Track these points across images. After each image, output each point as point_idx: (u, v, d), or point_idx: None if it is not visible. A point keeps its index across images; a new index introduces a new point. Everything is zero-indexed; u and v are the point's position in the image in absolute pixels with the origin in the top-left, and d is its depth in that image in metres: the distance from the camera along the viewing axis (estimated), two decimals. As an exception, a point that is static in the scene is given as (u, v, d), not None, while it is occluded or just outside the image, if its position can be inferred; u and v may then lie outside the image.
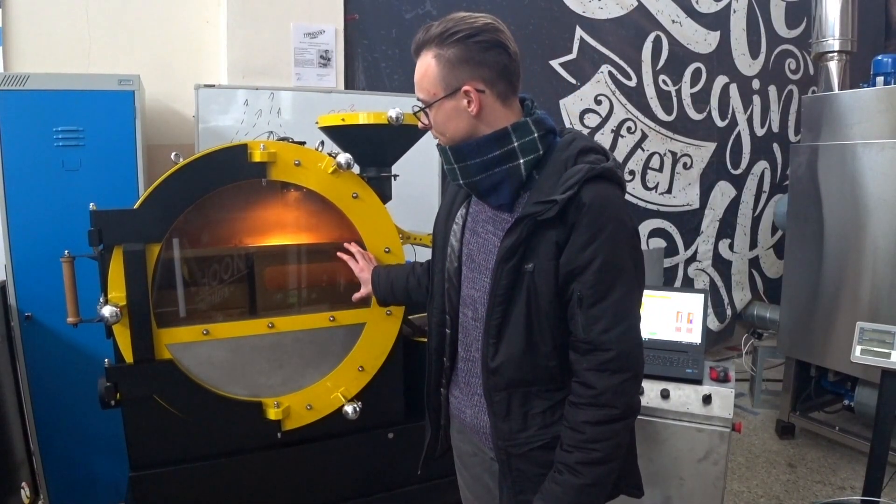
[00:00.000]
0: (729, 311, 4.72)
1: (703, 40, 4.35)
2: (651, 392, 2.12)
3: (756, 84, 4.67)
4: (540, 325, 1.23)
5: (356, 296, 1.79)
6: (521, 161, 1.23)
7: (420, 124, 1.32)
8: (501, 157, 1.22)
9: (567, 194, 1.14)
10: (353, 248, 1.82)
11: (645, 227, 4.31)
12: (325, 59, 3.12)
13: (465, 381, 1.41)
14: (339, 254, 1.81)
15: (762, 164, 4.81)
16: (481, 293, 1.31)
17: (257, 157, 1.70)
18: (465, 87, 1.20)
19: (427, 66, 1.22)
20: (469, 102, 1.21)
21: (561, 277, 1.18)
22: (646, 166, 4.27)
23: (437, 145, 1.32)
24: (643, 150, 4.23)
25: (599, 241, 1.15)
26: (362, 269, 1.77)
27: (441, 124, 1.26)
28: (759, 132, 4.75)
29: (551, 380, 1.27)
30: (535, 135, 1.24)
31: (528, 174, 1.24)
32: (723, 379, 2.15)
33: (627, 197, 4.17)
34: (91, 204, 1.63)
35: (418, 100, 1.27)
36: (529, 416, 1.28)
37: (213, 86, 2.77)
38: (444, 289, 1.39)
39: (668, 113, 4.29)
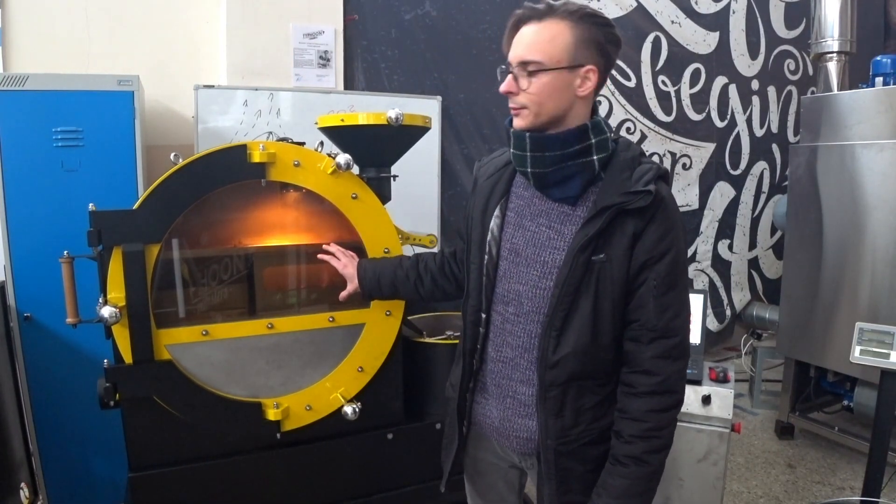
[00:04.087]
0: (728, 312, 4.72)
1: (702, 41, 4.35)
2: (650, 392, 2.12)
3: (755, 85, 4.67)
4: (604, 317, 1.25)
5: (343, 294, 1.76)
6: (595, 157, 1.25)
7: (506, 88, 1.24)
8: (578, 151, 1.24)
9: (650, 187, 1.20)
10: (333, 247, 1.80)
11: (644, 228, 4.30)
12: (324, 60, 3.12)
13: (495, 384, 1.38)
14: (319, 255, 1.80)
15: (761, 165, 4.81)
16: (528, 287, 1.30)
17: (257, 157, 1.71)
18: (589, 67, 1.21)
19: (558, 32, 1.19)
20: (582, 83, 1.22)
21: (633, 267, 1.22)
22: (645, 167, 4.27)
23: (513, 131, 1.28)
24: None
25: (673, 234, 1.23)
26: (345, 266, 1.75)
27: (545, 94, 1.21)
28: (759, 133, 4.75)
29: (605, 373, 1.29)
30: (608, 135, 1.27)
31: (598, 170, 1.26)
32: (722, 379, 2.15)
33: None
34: (90, 204, 1.63)
35: (524, 63, 1.21)
36: (581, 412, 1.29)
37: (212, 86, 2.77)
38: (481, 285, 1.37)
39: (668, 113, 4.29)
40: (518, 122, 1.27)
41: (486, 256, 1.36)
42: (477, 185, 1.45)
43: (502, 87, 1.25)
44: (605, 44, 1.22)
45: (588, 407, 1.29)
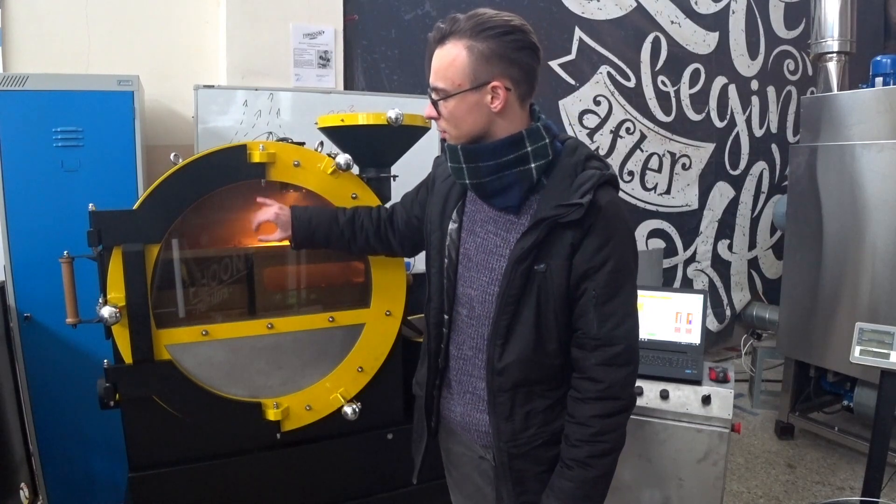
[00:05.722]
0: (728, 312, 4.73)
1: (701, 41, 4.36)
2: (650, 393, 2.12)
3: (755, 85, 4.67)
4: (547, 325, 1.26)
5: (265, 236, 1.65)
6: (533, 165, 1.24)
7: (427, 114, 1.29)
8: (514, 160, 1.23)
9: (587, 198, 1.18)
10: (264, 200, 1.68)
11: (644, 228, 4.32)
12: (324, 60, 3.12)
13: (457, 380, 1.41)
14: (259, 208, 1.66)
15: (761, 165, 4.81)
16: (479, 291, 1.32)
17: (256, 157, 1.70)
18: (494, 83, 1.19)
19: (455, 55, 1.19)
20: (493, 99, 1.20)
21: (573, 277, 1.22)
22: (645, 167, 4.28)
23: (447, 144, 1.30)
24: (642, 150, 4.23)
25: (613, 244, 1.21)
26: (277, 216, 1.63)
27: (457, 117, 1.23)
28: (758, 133, 4.75)
29: (553, 378, 1.30)
30: (546, 140, 1.25)
31: (538, 178, 1.25)
32: (722, 379, 2.15)
33: (626, 197, 4.19)
34: (90, 204, 1.63)
35: (433, 89, 1.24)
36: (531, 416, 1.31)
37: (212, 86, 2.77)
38: (442, 288, 1.39)
39: (667, 114, 4.30)
40: (449, 143, 1.29)
41: (445, 260, 1.38)
42: (435, 185, 1.46)
43: (424, 114, 1.30)
44: (512, 52, 1.18)
45: (539, 410, 1.31)
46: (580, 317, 1.24)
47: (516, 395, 1.30)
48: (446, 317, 1.40)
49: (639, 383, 2.00)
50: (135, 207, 1.62)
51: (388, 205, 1.75)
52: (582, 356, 1.25)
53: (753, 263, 4.93)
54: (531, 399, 1.30)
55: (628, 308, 1.25)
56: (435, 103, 1.25)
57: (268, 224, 1.65)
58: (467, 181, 1.28)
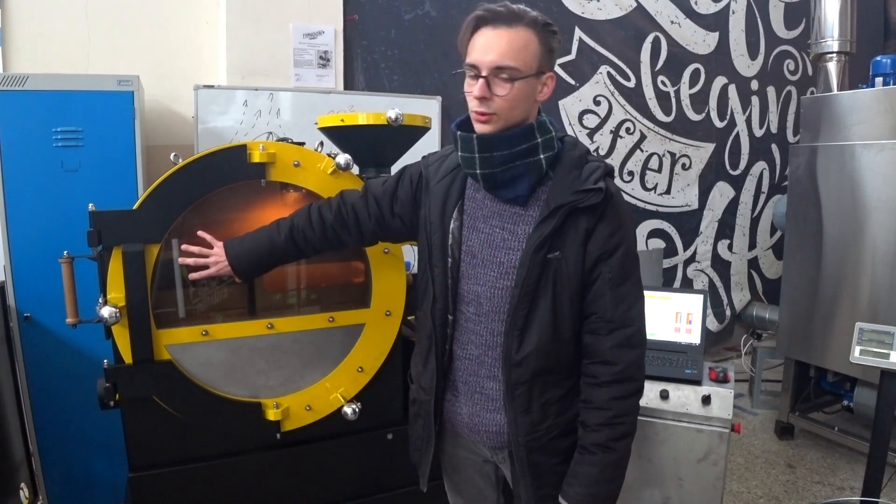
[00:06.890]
0: (728, 312, 4.73)
1: (701, 41, 4.36)
2: (650, 392, 2.12)
3: (755, 85, 4.67)
4: (563, 312, 1.28)
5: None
6: (542, 156, 1.28)
7: (480, 93, 1.20)
8: (526, 151, 1.26)
9: (600, 184, 1.25)
10: (193, 248, 1.60)
11: (644, 228, 4.32)
12: (324, 60, 3.12)
13: (463, 381, 1.40)
14: (181, 260, 1.60)
15: (761, 165, 4.81)
16: (487, 287, 1.32)
17: (256, 157, 1.70)
18: (549, 73, 1.26)
19: (529, 40, 1.22)
20: (541, 88, 1.26)
21: (588, 262, 1.27)
22: (644, 167, 4.28)
23: (460, 134, 1.28)
24: (642, 150, 4.23)
25: (623, 229, 1.28)
26: (219, 268, 1.59)
27: (516, 100, 1.22)
28: (758, 133, 4.76)
29: (567, 367, 1.33)
30: (553, 133, 1.30)
31: (546, 169, 1.29)
32: (722, 379, 2.15)
33: (626, 197, 4.19)
34: (90, 204, 1.63)
35: (501, 67, 1.19)
36: (547, 406, 1.33)
37: (212, 86, 2.77)
38: (447, 288, 1.38)
39: (667, 114, 4.30)
40: (484, 129, 1.25)
41: (449, 259, 1.37)
42: (430, 185, 1.43)
43: (477, 92, 1.20)
44: (555, 51, 1.28)
45: (554, 400, 1.33)
46: (594, 301, 1.27)
47: (533, 386, 1.31)
48: (450, 317, 1.39)
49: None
50: (135, 207, 1.62)
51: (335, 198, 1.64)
52: (595, 341, 1.28)
53: (753, 263, 4.93)
54: (547, 389, 1.32)
55: (638, 291, 1.31)
56: (489, 84, 1.20)
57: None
58: (478, 171, 1.28)
